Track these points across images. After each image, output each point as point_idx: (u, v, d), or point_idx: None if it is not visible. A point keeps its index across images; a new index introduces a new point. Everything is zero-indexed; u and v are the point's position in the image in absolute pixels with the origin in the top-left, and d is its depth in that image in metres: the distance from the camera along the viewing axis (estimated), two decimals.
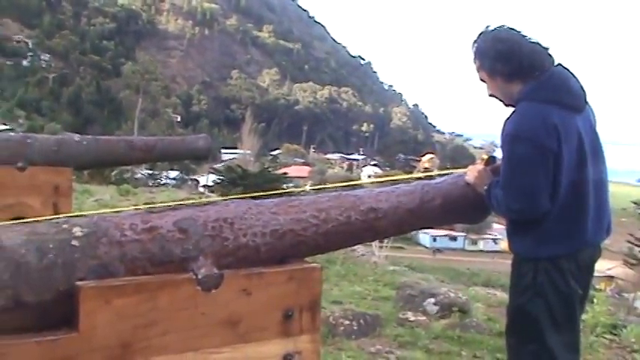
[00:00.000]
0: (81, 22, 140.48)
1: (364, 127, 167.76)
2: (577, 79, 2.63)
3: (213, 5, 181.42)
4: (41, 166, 4.96)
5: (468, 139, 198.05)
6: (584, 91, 2.64)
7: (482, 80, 2.71)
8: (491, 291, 8.92)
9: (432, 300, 5.68)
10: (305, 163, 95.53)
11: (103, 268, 1.87)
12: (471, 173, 2.67)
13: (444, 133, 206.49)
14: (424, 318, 5.39)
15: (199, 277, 1.96)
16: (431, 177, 3.00)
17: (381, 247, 11.26)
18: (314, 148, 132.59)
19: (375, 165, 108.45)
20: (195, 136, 6.01)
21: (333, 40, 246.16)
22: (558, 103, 2.52)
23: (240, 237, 2.13)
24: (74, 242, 1.86)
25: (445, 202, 2.61)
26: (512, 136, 2.49)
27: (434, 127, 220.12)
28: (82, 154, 5.24)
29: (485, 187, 2.60)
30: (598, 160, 2.63)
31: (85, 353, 1.76)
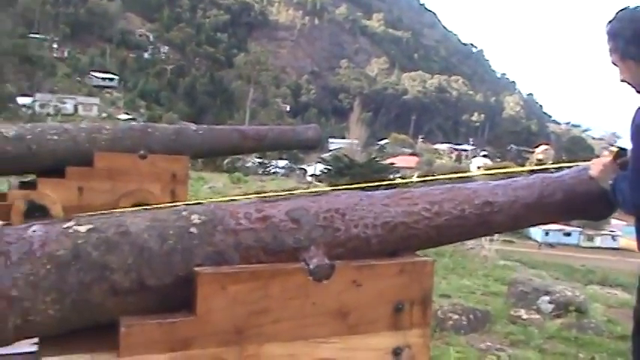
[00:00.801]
0: (197, 15, 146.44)
1: (474, 117, 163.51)
2: None
3: None
4: (160, 154, 5.22)
5: (586, 130, 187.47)
6: None
7: (614, 64, 2.52)
8: (611, 290, 8.42)
9: (547, 298, 5.44)
10: (412, 154, 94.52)
11: (219, 255, 1.93)
12: (595, 167, 2.51)
13: (559, 124, 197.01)
14: (538, 316, 5.17)
15: (311, 267, 1.97)
16: (545, 169, 2.86)
17: (491, 241, 10.91)
18: (422, 138, 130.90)
19: (485, 156, 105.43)
20: (305, 126, 6.09)
21: (444, 27, 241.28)
22: None
23: (351, 228, 2.13)
24: (192, 229, 1.93)
25: (567, 197, 2.47)
26: None
27: (549, 116, 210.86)
28: (198, 144, 5.46)
29: (611, 182, 2.43)
30: None
31: (202, 336, 1.82)
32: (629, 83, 2.51)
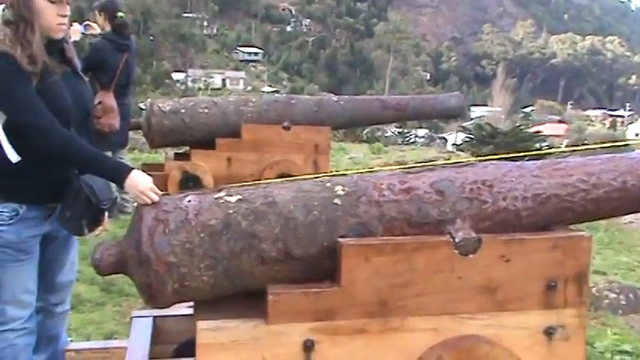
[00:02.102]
0: None
1: (632, 80, 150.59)
2: None
3: None
4: (303, 126, 5.33)
5: None
6: None
7: None
8: None
9: None
10: (561, 121, 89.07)
11: (363, 226, 1.92)
12: None
13: None
14: None
15: (456, 240, 1.92)
16: None
17: None
18: (571, 105, 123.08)
19: None
20: (447, 95, 5.94)
21: None
22: None
23: (499, 200, 2.03)
24: (336, 200, 1.94)
25: None
26: None
27: None
28: (339, 114, 5.51)
29: None
30: None
31: (346, 307, 1.84)
32: None
